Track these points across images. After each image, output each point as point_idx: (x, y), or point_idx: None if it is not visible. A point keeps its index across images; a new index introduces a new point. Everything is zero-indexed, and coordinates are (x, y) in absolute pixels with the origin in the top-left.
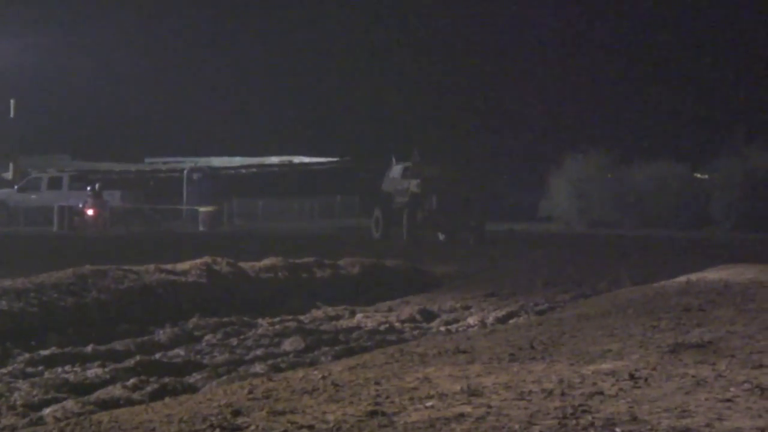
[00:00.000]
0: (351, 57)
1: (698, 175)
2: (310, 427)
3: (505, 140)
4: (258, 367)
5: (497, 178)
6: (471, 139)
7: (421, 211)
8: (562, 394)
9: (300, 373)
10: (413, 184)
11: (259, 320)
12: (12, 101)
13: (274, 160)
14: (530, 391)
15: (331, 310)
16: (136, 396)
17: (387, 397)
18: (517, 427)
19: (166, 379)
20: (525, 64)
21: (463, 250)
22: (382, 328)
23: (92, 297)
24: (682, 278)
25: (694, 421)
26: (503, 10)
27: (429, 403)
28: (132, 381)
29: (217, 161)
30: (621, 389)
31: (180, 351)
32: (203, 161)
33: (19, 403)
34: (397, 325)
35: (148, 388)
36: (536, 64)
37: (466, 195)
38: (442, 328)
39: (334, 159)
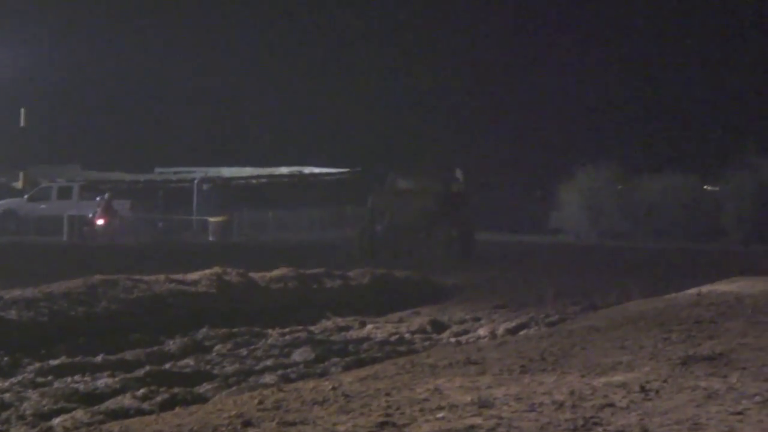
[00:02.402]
0: (362, 68)
1: (708, 187)
2: None
3: (514, 152)
4: (268, 378)
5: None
6: (480, 150)
7: (372, 228)
8: (573, 406)
9: (310, 383)
10: (369, 201)
11: (269, 331)
12: (22, 110)
13: (285, 170)
14: (541, 403)
15: (341, 321)
16: (146, 406)
17: (397, 409)
18: None
19: (176, 390)
20: (534, 76)
21: (473, 262)
22: (392, 339)
23: (102, 307)
24: (693, 290)
25: None
26: (514, 21)
27: (440, 415)
28: (142, 391)
29: (228, 171)
30: (632, 401)
31: (190, 361)
32: (213, 171)
33: (28, 412)
34: (408, 336)
35: (158, 398)
36: (546, 75)
37: (429, 208)
38: (453, 339)
39: (345, 170)
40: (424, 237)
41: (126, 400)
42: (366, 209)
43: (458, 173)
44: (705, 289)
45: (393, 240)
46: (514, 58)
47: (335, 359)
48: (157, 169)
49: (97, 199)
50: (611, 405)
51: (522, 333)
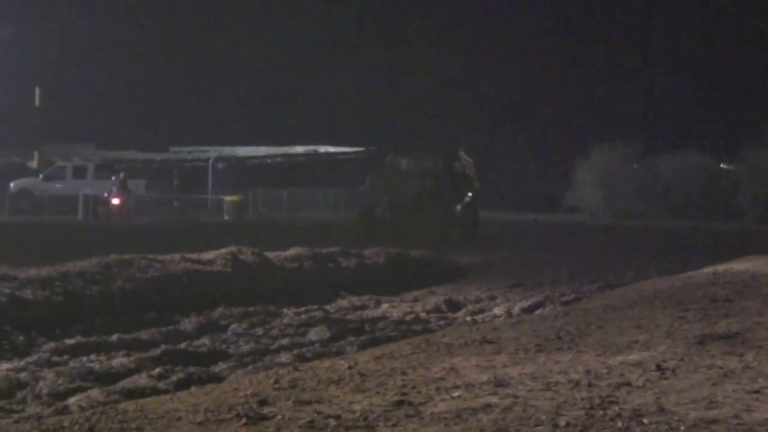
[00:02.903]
0: (378, 47)
1: (724, 166)
2: (337, 416)
3: (531, 131)
4: (283, 357)
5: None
6: (496, 130)
7: (371, 209)
8: (589, 384)
9: (326, 362)
10: (367, 182)
11: (285, 310)
12: (37, 90)
13: (300, 149)
14: (557, 382)
15: (356, 300)
16: (161, 385)
17: (413, 387)
18: (543, 417)
19: (192, 369)
20: (552, 55)
21: (486, 241)
22: (407, 318)
23: (117, 286)
24: (709, 269)
25: (721, 412)
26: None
27: (455, 393)
28: (157, 370)
29: (243, 150)
30: (648, 380)
31: (205, 340)
32: (228, 150)
33: (44, 392)
34: (423, 315)
35: (174, 378)
36: (563, 54)
37: (427, 188)
38: (468, 319)
39: (360, 149)
40: (422, 217)
41: (141, 380)
42: (365, 190)
43: (462, 153)
44: (721, 268)
45: (392, 220)
46: (532, 36)
47: (351, 338)
48: (172, 149)
49: (112, 178)
50: (627, 384)
51: (538, 312)
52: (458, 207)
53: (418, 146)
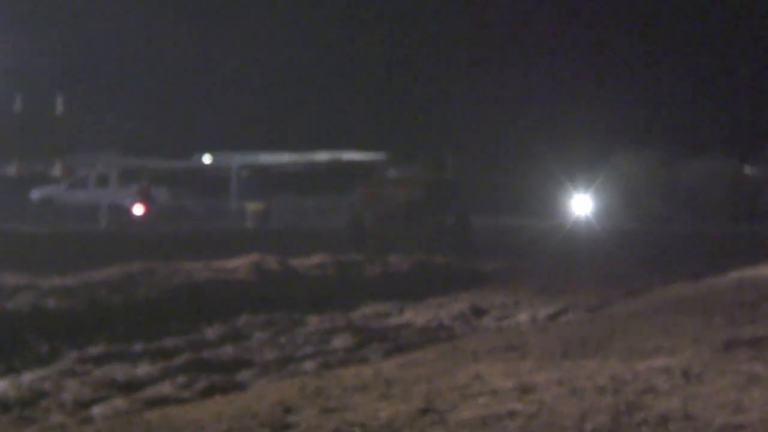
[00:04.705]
0: (402, 53)
1: (748, 169)
2: (362, 424)
3: (553, 138)
4: (308, 365)
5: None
6: (518, 136)
7: (360, 218)
8: (615, 390)
9: (351, 370)
10: (356, 192)
11: (309, 317)
12: (59, 97)
13: (324, 156)
14: (583, 388)
15: (380, 307)
16: (185, 394)
17: (438, 394)
18: (569, 423)
19: (216, 377)
20: (572, 59)
21: (511, 247)
22: (432, 324)
23: (141, 294)
24: (735, 274)
25: (747, 417)
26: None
27: (481, 400)
28: (181, 379)
29: (266, 158)
30: (674, 386)
31: (229, 348)
32: (251, 158)
33: (68, 401)
34: (447, 321)
35: (198, 386)
36: (584, 60)
37: (416, 197)
38: (493, 325)
39: (384, 156)
40: (413, 226)
41: (165, 388)
42: (353, 199)
43: (448, 159)
44: (747, 272)
45: (381, 230)
46: (554, 38)
47: (375, 345)
48: (195, 156)
49: (135, 186)
50: (653, 389)
51: (563, 318)
52: (448, 217)
53: (410, 155)
